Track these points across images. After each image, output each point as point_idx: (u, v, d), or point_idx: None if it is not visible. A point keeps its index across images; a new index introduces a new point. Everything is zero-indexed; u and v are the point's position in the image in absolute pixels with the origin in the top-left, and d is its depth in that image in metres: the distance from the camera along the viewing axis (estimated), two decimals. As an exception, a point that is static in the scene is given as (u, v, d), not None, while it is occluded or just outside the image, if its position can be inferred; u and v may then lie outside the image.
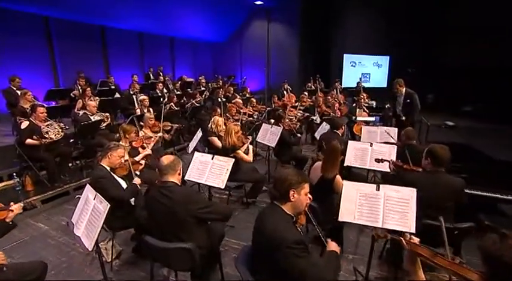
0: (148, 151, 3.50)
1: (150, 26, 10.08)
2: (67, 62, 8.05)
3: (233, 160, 2.82)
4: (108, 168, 2.54)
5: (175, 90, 7.77)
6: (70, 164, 4.55)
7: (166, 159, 2.02)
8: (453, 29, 11.54)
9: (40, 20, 7.68)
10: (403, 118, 5.21)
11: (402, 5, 12.38)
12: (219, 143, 4.14)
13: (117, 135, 3.70)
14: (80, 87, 6.12)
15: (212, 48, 14.23)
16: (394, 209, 2.07)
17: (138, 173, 2.86)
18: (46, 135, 3.82)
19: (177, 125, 4.53)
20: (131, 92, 6.32)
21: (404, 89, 5.15)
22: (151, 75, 9.49)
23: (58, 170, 4.09)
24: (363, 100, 7.31)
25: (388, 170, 2.99)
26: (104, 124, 4.74)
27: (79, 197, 2.46)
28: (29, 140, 3.71)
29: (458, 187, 2.28)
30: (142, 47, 10.43)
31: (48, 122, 3.96)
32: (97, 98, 5.47)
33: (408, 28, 12.46)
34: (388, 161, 2.86)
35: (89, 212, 1.95)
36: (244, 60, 14.66)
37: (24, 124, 3.78)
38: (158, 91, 7.07)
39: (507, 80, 9.20)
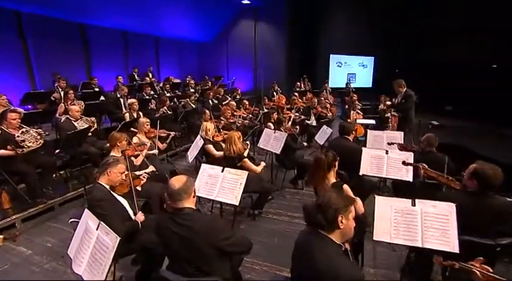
0: (151, 168, 3.17)
1: (134, 25, 9.55)
2: (44, 62, 7.41)
3: (246, 173, 2.57)
4: (107, 187, 2.20)
5: (166, 92, 7.35)
6: (54, 175, 4.10)
7: (177, 181, 1.70)
8: (436, 30, 11.84)
9: (11, 16, 7.01)
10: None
11: (386, 6, 12.59)
12: (215, 152, 3.87)
13: (107, 144, 3.33)
14: (60, 90, 5.62)
15: (198, 48, 13.82)
16: (432, 226, 1.91)
17: (139, 188, 2.54)
18: (22, 144, 3.38)
19: (174, 133, 4.20)
20: (118, 95, 5.88)
21: (404, 90, 5.11)
22: (135, 76, 9.01)
23: (40, 183, 3.64)
24: (357, 102, 7.28)
25: (408, 179, 2.86)
26: (91, 130, 4.32)
27: (75, 222, 2.14)
28: (2, 151, 3.26)
29: (507, 209, 2.03)
30: (127, 47, 9.88)
31: (23, 129, 3.50)
32: (81, 101, 5.01)
33: (392, 29, 12.70)
34: (419, 167, 2.70)
35: (91, 245, 1.64)
36: (231, 60, 14.38)
37: (-6, 134, 3.32)
38: (145, 94, 6.64)
39: (489, 80, 9.51)
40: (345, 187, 2.37)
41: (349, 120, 6.90)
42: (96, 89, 6.51)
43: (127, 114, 5.25)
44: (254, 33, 13.83)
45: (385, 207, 2.01)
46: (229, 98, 8.59)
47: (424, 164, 2.69)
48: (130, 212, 2.32)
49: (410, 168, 2.95)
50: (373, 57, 15.65)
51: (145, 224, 2.32)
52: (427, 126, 8.14)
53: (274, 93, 10.25)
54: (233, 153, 3.25)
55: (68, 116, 4.58)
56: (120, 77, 7.33)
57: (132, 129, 4.94)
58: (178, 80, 9.69)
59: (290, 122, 5.60)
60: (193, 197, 1.76)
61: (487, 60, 10.25)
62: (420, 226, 1.93)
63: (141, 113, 5.48)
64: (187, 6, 10.30)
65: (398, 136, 4.04)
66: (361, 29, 13.56)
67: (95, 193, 2.13)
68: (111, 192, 2.21)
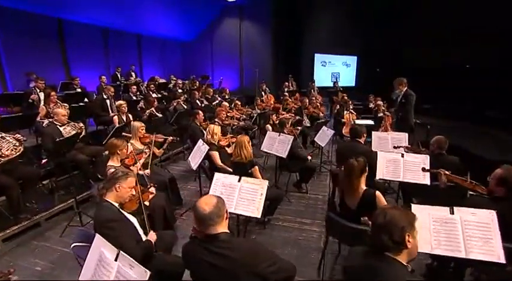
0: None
1: (114, 21, 9.00)
2: (15, 60, 6.74)
3: (266, 181, 2.37)
4: (116, 204, 1.92)
5: (152, 93, 6.95)
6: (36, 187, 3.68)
7: (207, 204, 1.45)
8: (416, 31, 12.23)
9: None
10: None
11: (369, 6, 12.83)
12: (219, 161, 3.64)
13: (106, 152, 3.00)
14: (38, 91, 5.11)
15: (182, 47, 13.37)
16: (474, 235, 1.83)
17: (147, 203, 2.27)
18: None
19: (171, 138, 3.91)
20: (104, 96, 5.44)
21: (405, 89, 5.06)
22: (119, 75, 8.50)
23: (22, 197, 3.23)
24: (350, 102, 7.29)
25: (426, 182, 2.79)
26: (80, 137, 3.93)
27: (78, 247, 1.85)
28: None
29: None
30: (107, 45, 9.28)
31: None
32: (65, 104, 4.56)
33: (374, 29, 12.98)
34: (440, 173, 2.63)
35: (111, 278, 1.38)
36: (216, 59, 14.06)
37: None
38: (132, 94, 6.22)
39: (466, 80, 9.92)
40: (378, 193, 2.25)
41: (343, 120, 6.90)
42: (79, 90, 6.00)
43: (115, 117, 4.87)
44: (239, 32, 13.60)
45: (423, 216, 1.90)
46: (219, 99, 8.34)
47: (444, 170, 2.63)
48: (141, 231, 2.05)
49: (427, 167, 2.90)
50: (356, 57, 15.98)
51: (157, 244, 2.07)
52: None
53: (263, 93, 10.08)
54: (244, 159, 3.05)
55: (51, 120, 4.18)
56: (103, 76, 6.84)
57: (124, 134, 4.59)
58: (163, 80, 9.27)
59: (289, 124, 5.46)
60: (226, 219, 1.53)
61: (461, 60, 10.69)
62: (462, 235, 1.84)
63: (130, 116, 5.13)
64: (170, 3, 9.87)
65: (403, 138, 4.01)
66: (344, 28, 13.77)
67: (104, 213, 1.84)
68: (120, 210, 1.93)
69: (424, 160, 2.96)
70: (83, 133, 4.01)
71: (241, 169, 3.03)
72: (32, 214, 3.24)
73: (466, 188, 2.52)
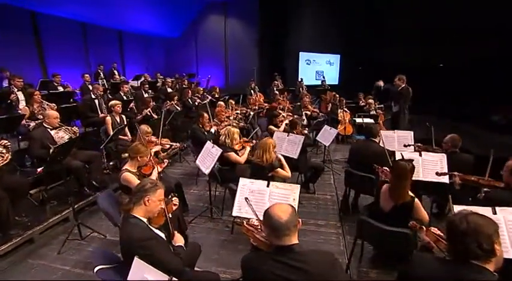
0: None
1: (94, 16, 8.42)
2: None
3: (298, 186, 2.24)
4: (145, 220, 1.70)
5: (145, 93, 6.56)
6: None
7: (283, 212, 1.32)
8: (396, 30, 12.66)
9: None
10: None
11: (351, 5, 13.09)
12: (239, 158, 3.47)
13: (126, 155, 2.73)
14: (16, 90, 4.62)
15: (165, 44, 12.88)
16: (518, 235, 1.82)
17: (170, 215, 2.05)
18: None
19: (178, 144, 3.66)
20: (93, 96, 5.04)
21: (403, 85, 5.23)
22: (101, 73, 7.98)
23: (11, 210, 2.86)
24: (344, 101, 7.34)
25: (445, 181, 2.80)
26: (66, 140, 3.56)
27: (104, 270, 1.63)
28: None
29: None
30: (86, 41, 8.67)
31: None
32: (54, 105, 4.15)
33: (356, 28, 13.27)
34: (454, 175, 2.63)
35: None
36: (201, 57, 13.72)
37: None
38: (123, 94, 5.82)
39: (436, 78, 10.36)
40: (417, 201, 2.20)
41: (339, 118, 6.93)
42: (60, 88, 5.51)
43: (108, 118, 4.50)
44: (224, 30, 13.33)
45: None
46: (209, 97, 8.09)
47: (457, 173, 2.64)
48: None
49: (446, 168, 2.91)
50: (339, 55, 16.26)
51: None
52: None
53: (252, 91, 9.93)
54: (265, 162, 2.90)
55: (37, 122, 3.79)
56: (86, 75, 6.35)
57: (120, 137, 4.28)
58: (149, 79, 8.82)
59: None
60: (299, 228, 1.40)
61: (437, 59, 11.16)
62: (507, 235, 1.82)
63: (123, 116, 4.79)
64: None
65: (409, 136, 4.04)
66: (327, 27, 13.97)
67: (136, 231, 1.61)
68: (150, 226, 1.71)
69: (441, 158, 2.97)
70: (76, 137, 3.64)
71: (259, 172, 2.89)
72: (23, 229, 2.88)
73: (482, 186, 2.55)
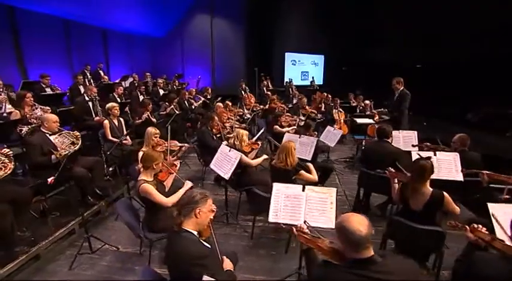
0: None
1: (78, 13, 7.92)
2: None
3: (334, 189, 2.22)
4: (195, 233, 1.59)
5: (140, 94, 6.27)
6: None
7: (361, 225, 1.27)
8: (378, 32, 13.13)
9: None
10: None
11: (335, 6, 13.38)
12: (251, 161, 3.40)
13: (139, 166, 2.55)
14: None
15: (151, 44, 12.43)
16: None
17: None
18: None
19: (187, 145, 3.51)
20: (87, 98, 4.73)
21: (401, 88, 5.25)
22: (88, 74, 7.54)
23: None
24: (338, 101, 7.45)
25: (459, 179, 2.89)
26: (76, 147, 3.32)
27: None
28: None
29: None
30: (69, 39, 8.15)
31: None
32: (48, 108, 3.84)
33: (340, 29, 13.60)
34: (482, 173, 2.72)
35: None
36: (187, 57, 13.41)
37: None
38: (117, 96, 5.52)
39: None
40: (446, 195, 2.24)
41: (335, 118, 7.03)
42: (49, 90, 5.11)
43: (106, 122, 4.25)
44: (211, 29, 13.13)
45: (505, 215, 1.93)
46: (203, 98, 7.92)
47: (485, 171, 2.73)
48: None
49: (459, 167, 3.02)
50: (323, 56, 16.58)
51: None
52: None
53: (243, 92, 9.86)
54: (289, 165, 2.85)
55: (30, 127, 3.50)
56: (80, 76, 5.98)
57: (110, 138, 4.07)
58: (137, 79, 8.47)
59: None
60: None
61: (415, 60, 11.64)
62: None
63: (121, 119, 4.54)
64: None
65: (413, 135, 4.17)
66: (312, 27, 14.21)
67: (192, 248, 1.48)
68: (201, 241, 1.60)
69: (454, 157, 3.08)
70: (79, 143, 3.38)
71: (284, 176, 2.83)
72: (27, 245, 2.63)
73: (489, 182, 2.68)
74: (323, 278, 1.35)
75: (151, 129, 3.33)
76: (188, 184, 2.63)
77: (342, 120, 7.08)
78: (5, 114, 4.28)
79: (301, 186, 2.26)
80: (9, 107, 4.44)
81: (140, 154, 3.21)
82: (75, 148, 3.30)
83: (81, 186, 3.31)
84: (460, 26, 9.29)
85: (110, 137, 4.24)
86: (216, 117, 4.41)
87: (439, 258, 2.36)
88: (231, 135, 4.89)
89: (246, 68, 13.36)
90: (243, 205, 3.67)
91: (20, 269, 2.50)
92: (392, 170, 2.65)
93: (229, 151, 3.15)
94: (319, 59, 16.68)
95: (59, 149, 3.19)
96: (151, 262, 2.65)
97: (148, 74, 8.84)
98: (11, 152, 2.59)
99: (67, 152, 3.18)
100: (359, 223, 1.29)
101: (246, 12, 12.98)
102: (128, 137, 4.43)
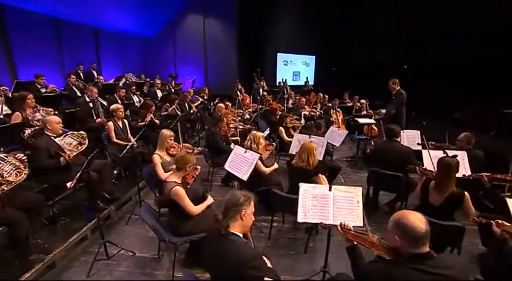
0: (211, 199, 2.52)
1: (68, 11, 7.67)
2: None
3: (360, 188, 2.26)
4: (241, 236, 1.58)
5: (133, 95, 6.12)
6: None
7: (421, 222, 1.32)
8: (367, 33, 13.42)
9: None
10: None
11: (326, 8, 13.60)
12: (265, 168, 3.40)
13: (173, 166, 2.49)
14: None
15: (142, 43, 12.21)
16: None
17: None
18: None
19: (200, 148, 3.47)
20: (87, 99, 4.59)
21: (397, 88, 5.39)
22: (81, 74, 7.32)
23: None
24: (337, 101, 7.56)
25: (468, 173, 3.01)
26: (83, 147, 3.22)
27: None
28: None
29: None
30: (60, 38, 7.87)
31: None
32: (51, 109, 3.70)
33: (330, 30, 13.82)
34: (482, 176, 2.83)
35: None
36: (179, 57, 13.24)
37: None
38: (118, 98, 5.36)
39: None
40: (467, 195, 2.33)
41: (333, 118, 7.13)
42: (48, 91, 4.91)
43: (110, 123, 4.14)
44: (203, 29, 13.02)
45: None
46: (201, 99, 7.85)
47: (485, 174, 2.86)
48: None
49: (467, 165, 3.14)
50: (314, 56, 16.79)
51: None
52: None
53: (238, 92, 9.83)
54: (311, 165, 2.88)
55: (32, 129, 3.37)
56: (73, 76, 5.77)
57: (116, 140, 3.98)
58: (132, 79, 8.28)
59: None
60: None
61: (402, 61, 11.98)
62: None
63: (126, 121, 4.44)
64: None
65: (416, 135, 4.29)
66: (304, 28, 14.38)
67: (244, 251, 1.47)
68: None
69: (462, 156, 3.19)
70: (86, 143, 3.28)
71: (302, 175, 2.85)
72: (42, 253, 2.52)
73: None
74: (381, 273, 1.37)
75: (166, 132, 3.27)
76: (210, 200, 2.60)
77: (340, 120, 7.19)
78: (1, 117, 4.12)
79: (327, 186, 2.29)
80: (5, 109, 4.28)
81: (155, 156, 3.15)
82: (83, 148, 3.21)
83: (91, 189, 3.20)
84: (445, 27, 9.64)
85: (115, 139, 4.14)
86: (225, 119, 4.38)
87: (458, 252, 2.44)
88: (235, 138, 4.90)
89: (239, 68, 13.35)
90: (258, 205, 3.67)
91: (36, 279, 2.39)
92: (422, 167, 2.72)
93: (245, 152, 3.14)
94: (311, 59, 16.87)
95: (66, 151, 3.09)
96: (171, 266, 2.61)
97: (143, 74, 8.66)
98: (25, 157, 2.48)
99: (75, 153, 3.10)
100: (419, 220, 1.33)
101: (239, 13, 12.95)
102: (131, 138, 4.34)
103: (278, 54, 15.37)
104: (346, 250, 1.78)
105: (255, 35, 13.55)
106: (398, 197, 3.63)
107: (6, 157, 2.34)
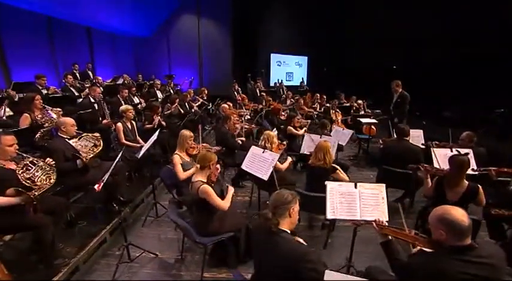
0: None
1: (61, 9, 7.46)
2: None
3: (383, 185, 2.35)
4: (289, 232, 1.62)
5: (133, 96, 6.05)
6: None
7: (463, 215, 1.40)
8: (356, 36, 13.73)
9: None
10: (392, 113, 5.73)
11: (317, 9, 13.81)
12: (281, 165, 3.45)
13: (198, 165, 2.50)
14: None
15: (136, 43, 12.03)
16: None
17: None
18: (29, 185, 2.21)
19: (218, 148, 3.49)
20: (92, 100, 4.51)
21: (400, 90, 5.57)
22: (77, 74, 7.15)
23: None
24: (336, 101, 7.72)
25: (473, 172, 3.17)
26: (99, 149, 3.18)
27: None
28: (3, 199, 2.05)
29: None
30: (53, 37, 7.65)
31: (26, 161, 2.30)
32: (58, 109, 3.62)
33: (322, 31, 14.06)
34: (490, 170, 2.98)
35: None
36: (174, 57, 13.12)
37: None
38: (121, 99, 5.29)
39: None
40: (480, 188, 2.46)
41: (334, 118, 7.27)
42: (45, 92, 4.77)
43: (119, 125, 4.08)
44: (198, 30, 12.96)
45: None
46: (201, 100, 7.83)
47: (493, 168, 3.02)
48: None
49: (474, 162, 3.30)
50: (306, 57, 17.00)
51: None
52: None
53: (235, 93, 9.86)
54: (328, 164, 2.95)
55: (43, 130, 3.31)
56: (69, 76, 5.63)
57: (126, 142, 3.96)
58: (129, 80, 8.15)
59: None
60: None
61: (391, 61, 12.30)
62: None
63: (134, 123, 4.39)
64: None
65: (420, 134, 4.46)
66: (296, 29, 14.55)
67: (298, 246, 1.54)
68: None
69: (468, 153, 3.36)
70: (100, 145, 3.23)
71: (321, 174, 2.93)
72: (66, 257, 2.49)
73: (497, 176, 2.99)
74: (428, 265, 1.44)
75: (186, 132, 3.27)
76: (231, 189, 2.64)
77: (340, 120, 7.34)
78: (4, 118, 4.01)
79: (353, 184, 2.37)
80: (7, 111, 4.16)
81: (175, 157, 3.15)
82: (99, 150, 3.18)
83: (109, 192, 3.17)
84: (433, 28, 9.98)
85: (124, 141, 4.09)
86: (232, 118, 4.41)
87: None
88: (241, 138, 4.92)
89: (233, 69, 13.37)
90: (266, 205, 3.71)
91: (61, 283, 2.36)
92: (427, 166, 2.85)
93: (263, 152, 3.18)
94: (303, 60, 17.06)
95: (81, 153, 3.05)
96: (195, 266, 2.64)
97: (141, 75, 8.54)
98: (53, 162, 2.44)
99: (92, 155, 3.07)
100: (462, 214, 1.42)
101: (233, 14, 12.96)
102: (140, 140, 4.31)
103: (271, 54, 15.49)
104: (380, 245, 1.85)
105: (249, 36, 13.62)
106: (407, 194, 3.78)
107: (36, 161, 2.29)
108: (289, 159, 3.72)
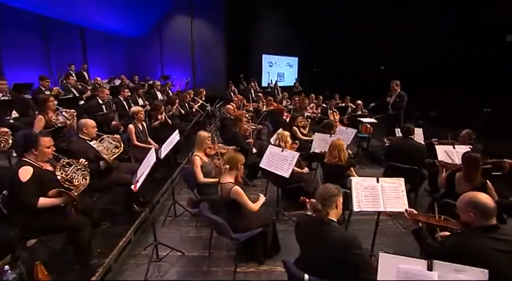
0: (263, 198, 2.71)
1: (54, 8, 7.30)
2: None
3: (403, 179, 2.54)
4: (336, 221, 1.78)
5: (138, 97, 6.03)
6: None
7: (488, 199, 1.62)
8: (346, 37, 14.12)
9: None
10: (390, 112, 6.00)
11: (308, 11, 14.10)
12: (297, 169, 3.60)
13: (227, 166, 2.59)
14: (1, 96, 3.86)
15: (129, 44, 11.86)
16: None
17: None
18: (67, 185, 2.24)
19: (233, 147, 3.58)
20: (99, 101, 4.48)
21: (399, 90, 5.86)
22: (74, 75, 6.99)
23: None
24: (334, 102, 7.96)
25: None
26: (120, 150, 3.20)
27: None
28: (43, 201, 2.07)
29: None
30: (46, 37, 7.46)
31: (62, 161, 2.33)
32: (72, 110, 3.60)
33: (312, 32, 14.36)
34: (504, 161, 3.25)
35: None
36: (166, 58, 13.05)
37: (25, 173, 2.06)
38: (123, 99, 5.26)
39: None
40: (489, 182, 2.69)
41: (331, 118, 7.49)
42: (48, 93, 4.67)
43: (131, 126, 4.09)
44: (191, 31, 12.94)
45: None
46: (200, 101, 7.85)
47: (507, 160, 3.28)
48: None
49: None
50: (297, 58, 17.29)
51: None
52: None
53: (232, 93, 9.95)
54: (342, 161, 3.12)
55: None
56: (71, 77, 5.55)
57: (138, 143, 4.00)
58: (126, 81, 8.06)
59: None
60: None
61: (380, 62, 12.71)
62: None
63: (144, 124, 4.41)
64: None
65: (420, 133, 4.74)
66: (287, 30, 14.79)
67: (346, 234, 1.72)
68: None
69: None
70: (121, 147, 3.25)
71: (337, 171, 3.10)
72: (100, 257, 2.51)
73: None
74: (461, 243, 1.63)
75: (203, 133, 3.34)
76: (262, 198, 2.75)
77: (338, 120, 7.57)
78: (11, 121, 3.94)
79: (375, 178, 2.55)
80: (14, 113, 4.09)
81: (196, 158, 3.21)
82: (120, 152, 3.21)
83: (130, 193, 3.19)
84: (420, 29, 10.38)
85: (136, 142, 4.11)
86: (243, 119, 4.51)
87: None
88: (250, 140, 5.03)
89: (226, 69, 13.43)
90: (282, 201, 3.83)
91: (99, 283, 2.39)
92: (442, 161, 3.07)
93: (282, 151, 3.31)
94: (294, 61, 17.33)
95: (103, 154, 3.07)
96: (224, 262, 2.74)
97: (136, 75, 8.46)
98: (86, 162, 2.46)
99: (114, 156, 3.10)
100: (487, 198, 1.64)
101: (225, 15, 13.04)
102: (151, 140, 4.34)
103: (263, 55, 15.65)
104: (411, 232, 2.03)
105: (241, 37, 13.72)
106: (412, 188, 4.02)
107: (72, 162, 2.31)
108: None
